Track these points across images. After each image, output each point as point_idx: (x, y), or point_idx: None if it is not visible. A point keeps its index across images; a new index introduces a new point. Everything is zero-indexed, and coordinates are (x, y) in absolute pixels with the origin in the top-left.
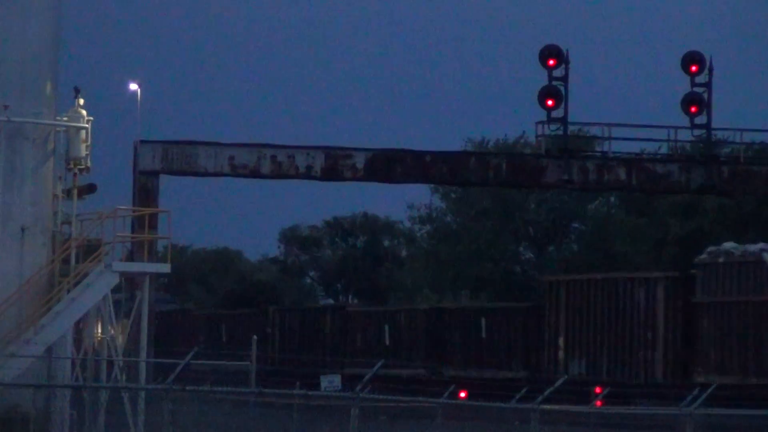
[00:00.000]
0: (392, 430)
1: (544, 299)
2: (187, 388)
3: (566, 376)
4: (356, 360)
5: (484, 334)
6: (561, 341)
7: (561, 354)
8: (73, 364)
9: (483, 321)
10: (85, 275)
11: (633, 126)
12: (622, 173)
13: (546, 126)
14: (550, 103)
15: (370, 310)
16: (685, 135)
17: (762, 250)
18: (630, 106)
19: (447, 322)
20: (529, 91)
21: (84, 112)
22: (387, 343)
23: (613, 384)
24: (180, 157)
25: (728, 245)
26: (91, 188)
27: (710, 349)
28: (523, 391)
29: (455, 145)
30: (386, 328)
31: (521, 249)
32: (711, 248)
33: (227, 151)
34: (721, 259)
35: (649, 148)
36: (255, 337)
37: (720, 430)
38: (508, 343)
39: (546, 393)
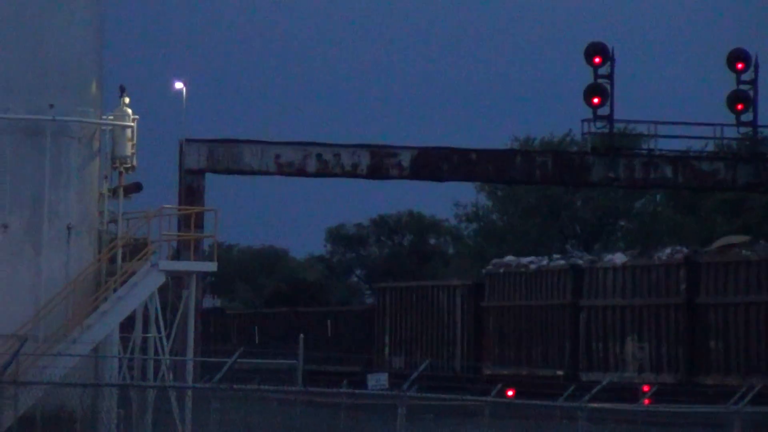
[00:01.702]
0: (438, 428)
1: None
2: (234, 387)
3: (612, 376)
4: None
5: (330, 333)
6: (387, 339)
7: (386, 350)
8: (120, 363)
9: (328, 322)
10: (132, 274)
11: (679, 123)
12: (668, 171)
13: (592, 124)
14: (595, 100)
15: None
16: (731, 132)
17: (531, 262)
18: (676, 103)
19: None
20: (574, 89)
21: (129, 111)
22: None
23: (427, 377)
24: (225, 156)
25: (508, 258)
26: (136, 187)
27: (494, 346)
28: (571, 389)
29: (501, 143)
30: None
31: (568, 247)
32: (495, 260)
33: (273, 150)
34: (501, 270)
35: (695, 145)
36: (302, 336)
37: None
38: (349, 341)
39: (594, 391)
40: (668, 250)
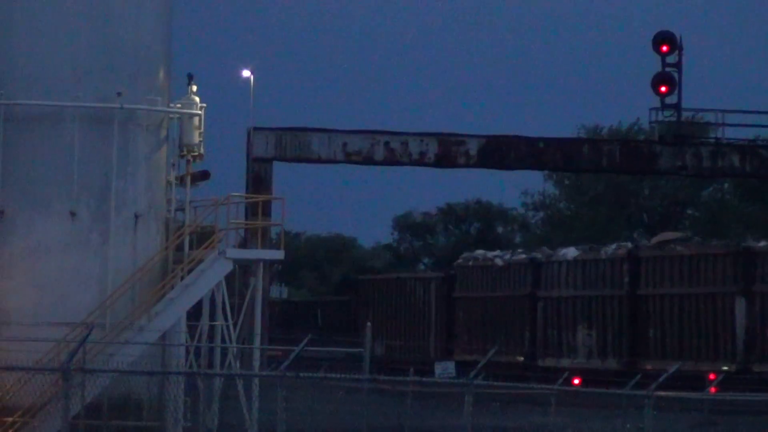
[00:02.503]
0: (505, 416)
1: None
2: (301, 374)
3: (678, 364)
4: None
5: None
6: (368, 328)
7: (368, 337)
8: (187, 351)
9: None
10: (199, 262)
11: (747, 112)
12: (735, 160)
13: (660, 112)
14: (663, 89)
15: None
16: None
17: (496, 256)
18: (744, 92)
19: None
20: (642, 77)
21: (197, 99)
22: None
23: (408, 362)
24: (293, 144)
25: (478, 252)
26: (204, 175)
27: (464, 333)
28: (638, 377)
29: (569, 131)
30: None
31: (635, 235)
32: (465, 254)
33: (340, 138)
34: (470, 263)
35: (764, 134)
36: (369, 324)
37: None
38: (338, 328)
39: (660, 379)
40: (614, 246)
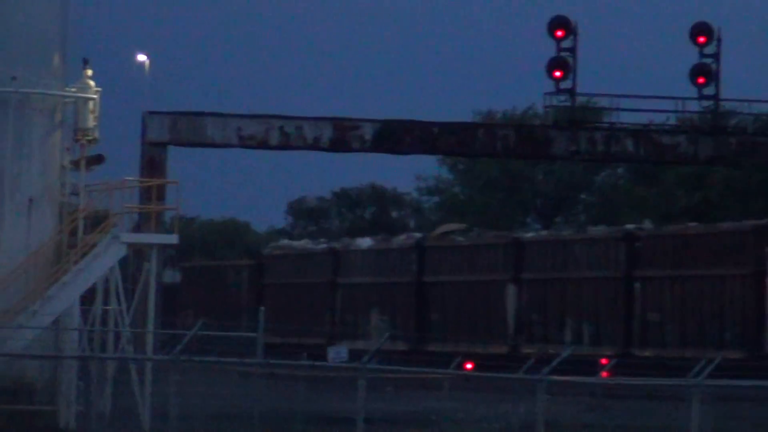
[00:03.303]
0: (398, 401)
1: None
2: (194, 358)
3: (572, 348)
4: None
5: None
6: (190, 312)
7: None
8: (80, 335)
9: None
10: (93, 246)
11: (641, 97)
12: (629, 144)
13: (554, 97)
14: (558, 74)
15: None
16: (693, 106)
17: (300, 246)
18: (638, 77)
19: None
20: (537, 62)
21: (92, 83)
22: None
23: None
24: (188, 128)
25: (283, 242)
26: (99, 159)
27: (272, 319)
28: (531, 362)
29: (463, 116)
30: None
31: (529, 220)
32: (272, 243)
33: (235, 122)
34: (278, 252)
35: (657, 119)
36: (262, 308)
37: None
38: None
39: (554, 363)
40: (403, 236)
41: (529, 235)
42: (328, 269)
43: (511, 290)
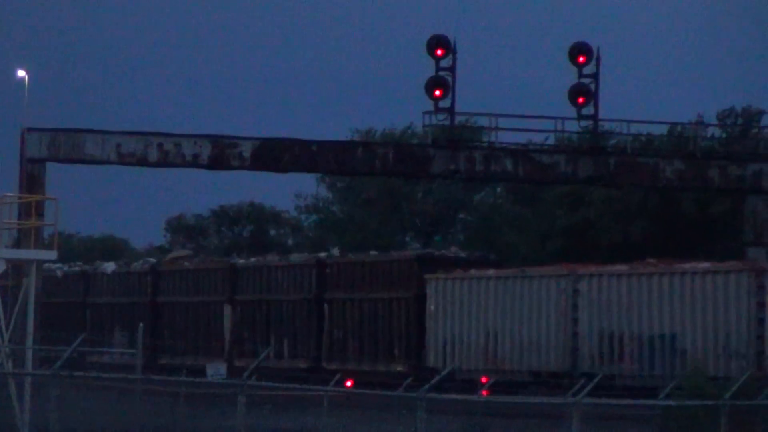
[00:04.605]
0: (278, 419)
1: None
2: (74, 374)
3: (453, 366)
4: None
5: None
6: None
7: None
8: None
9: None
10: None
11: (520, 117)
12: (508, 164)
13: (433, 116)
14: (437, 93)
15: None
16: (572, 126)
17: (57, 268)
18: (519, 97)
19: None
20: (416, 81)
21: None
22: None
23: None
24: (67, 145)
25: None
26: None
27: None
28: (409, 379)
29: (342, 135)
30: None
31: (408, 239)
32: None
33: (114, 139)
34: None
35: (536, 139)
36: (141, 324)
37: (607, 420)
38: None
39: (434, 381)
40: (140, 262)
41: (242, 261)
42: (80, 290)
43: (227, 310)
